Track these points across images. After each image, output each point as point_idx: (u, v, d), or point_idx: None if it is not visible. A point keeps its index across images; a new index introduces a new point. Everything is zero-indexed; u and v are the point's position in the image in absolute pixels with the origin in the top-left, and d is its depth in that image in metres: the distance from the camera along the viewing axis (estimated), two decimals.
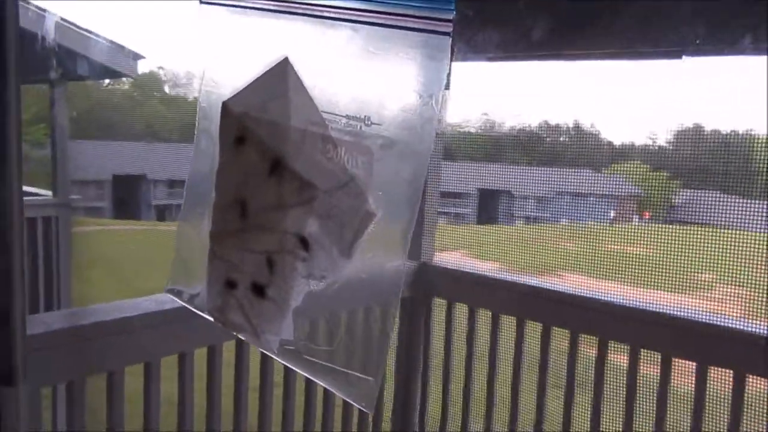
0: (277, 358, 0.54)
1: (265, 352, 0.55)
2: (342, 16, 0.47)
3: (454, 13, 0.41)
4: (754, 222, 1.86)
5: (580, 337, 1.88)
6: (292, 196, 0.51)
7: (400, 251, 0.46)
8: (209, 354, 1.70)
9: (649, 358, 1.81)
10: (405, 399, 2.25)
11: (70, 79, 3.94)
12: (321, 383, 0.52)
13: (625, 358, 1.83)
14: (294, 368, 0.54)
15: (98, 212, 5.55)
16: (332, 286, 0.50)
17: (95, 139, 5.37)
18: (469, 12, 0.48)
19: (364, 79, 0.47)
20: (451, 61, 0.42)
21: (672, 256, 2.03)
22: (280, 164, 0.52)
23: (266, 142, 0.53)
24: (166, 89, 5.65)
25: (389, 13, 0.44)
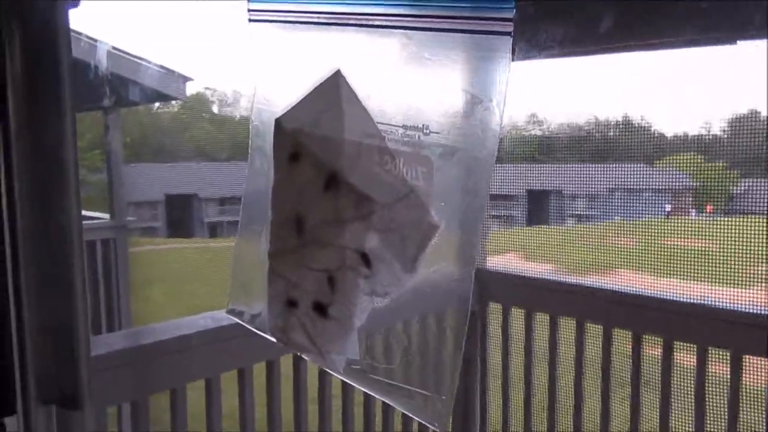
0: (343, 378, 0.53)
1: (330, 372, 0.54)
2: (394, 24, 0.45)
3: (515, 11, 0.38)
4: None
5: (644, 338, 1.81)
6: (350, 210, 0.50)
7: (468, 262, 0.44)
8: (267, 368, 1.71)
9: (715, 356, 1.73)
10: (464, 407, 2.21)
11: (123, 106, 4.06)
12: (390, 403, 0.50)
13: (689, 357, 1.75)
14: (361, 388, 0.52)
15: (153, 232, 5.68)
16: (396, 301, 0.48)
17: (148, 161, 5.52)
18: (530, 9, 0.46)
19: (420, 86, 0.45)
20: (512, 60, 0.40)
21: (733, 249, 1.94)
22: (335, 179, 0.50)
23: (321, 157, 0.51)
24: (215, 109, 5.75)
25: (444, 17, 0.42)
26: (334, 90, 0.51)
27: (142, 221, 5.32)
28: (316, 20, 0.51)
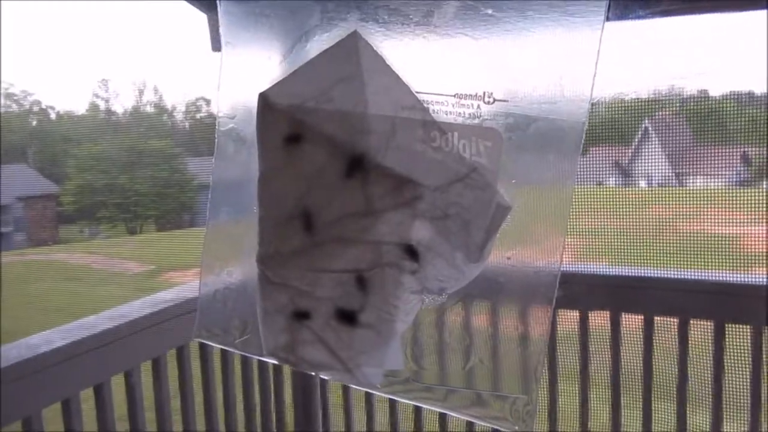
0: (381, 393, 0.44)
1: (361, 388, 0.44)
2: None
3: None
4: None
5: None
6: (385, 198, 0.40)
7: (554, 247, 0.37)
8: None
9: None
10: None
11: None
12: (452, 413, 0.42)
13: None
14: (407, 402, 0.43)
15: None
16: (461, 294, 0.40)
17: None
18: None
19: (479, 48, 0.37)
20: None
21: None
22: (362, 162, 0.40)
23: (337, 138, 0.41)
24: None
25: None
26: (349, 56, 0.40)
27: None
28: None
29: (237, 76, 0.45)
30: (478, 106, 0.37)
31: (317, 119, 0.41)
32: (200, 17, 1.17)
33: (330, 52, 0.41)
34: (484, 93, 0.37)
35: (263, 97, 0.43)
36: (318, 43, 0.42)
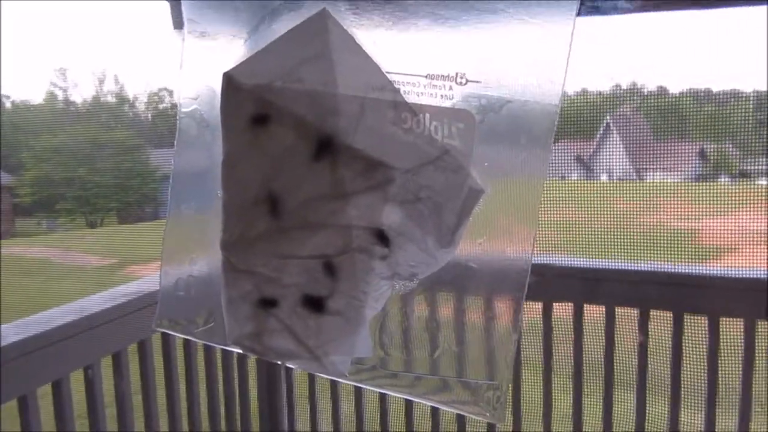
0: (349, 382, 0.42)
1: (329, 377, 0.43)
2: None
3: None
4: None
5: None
6: (355, 181, 0.39)
7: (526, 232, 0.36)
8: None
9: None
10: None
11: None
12: (422, 401, 0.41)
13: None
14: (377, 390, 0.42)
15: None
16: (432, 280, 0.39)
17: None
18: None
19: (451, 29, 0.36)
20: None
21: None
22: (331, 143, 0.39)
23: (306, 118, 0.40)
24: None
25: None
26: (317, 33, 0.39)
27: None
28: None
29: (200, 55, 0.43)
30: (450, 87, 0.36)
31: (285, 99, 0.40)
32: (162, 5, 1.13)
33: (298, 31, 0.39)
34: (457, 74, 0.36)
35: (228, 77, 0.41)
36: (285, 22, 0.40)
